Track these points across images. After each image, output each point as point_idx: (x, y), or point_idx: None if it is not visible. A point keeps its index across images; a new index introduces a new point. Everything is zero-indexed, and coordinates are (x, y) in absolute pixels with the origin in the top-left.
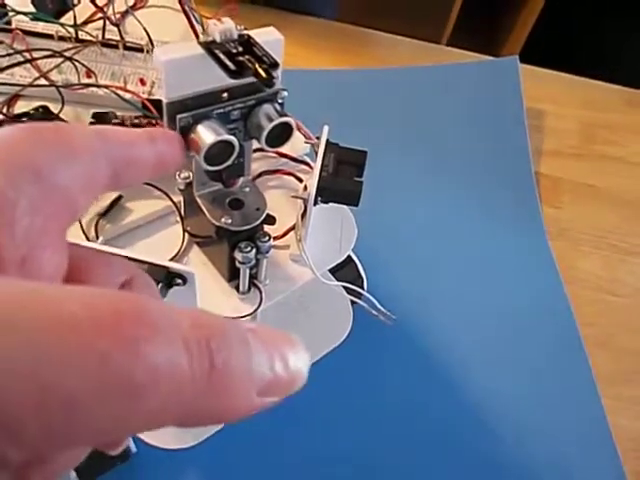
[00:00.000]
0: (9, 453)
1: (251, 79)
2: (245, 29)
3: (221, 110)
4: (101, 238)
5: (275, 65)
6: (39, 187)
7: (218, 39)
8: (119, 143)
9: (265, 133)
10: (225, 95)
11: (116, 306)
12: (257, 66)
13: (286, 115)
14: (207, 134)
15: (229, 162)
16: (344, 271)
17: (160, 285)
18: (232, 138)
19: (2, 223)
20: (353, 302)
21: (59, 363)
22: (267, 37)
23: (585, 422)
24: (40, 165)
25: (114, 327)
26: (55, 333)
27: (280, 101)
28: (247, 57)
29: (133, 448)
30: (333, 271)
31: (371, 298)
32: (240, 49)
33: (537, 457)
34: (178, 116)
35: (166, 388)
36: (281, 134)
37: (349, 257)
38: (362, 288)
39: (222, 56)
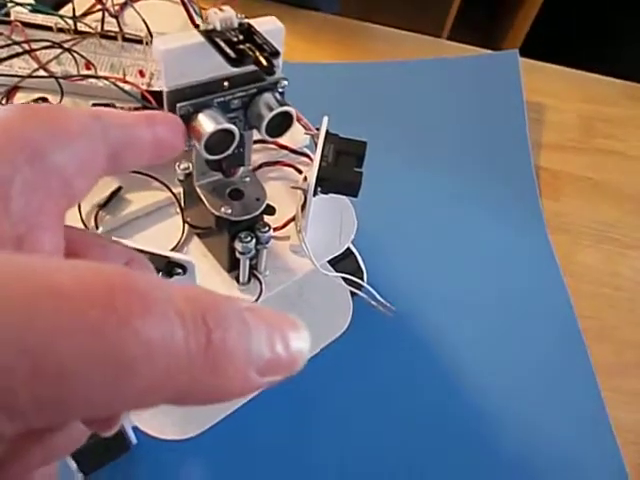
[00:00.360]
0: (1, 424)
1: (252, 68)
2: (246, 17)
3: (221, 99)
4: (101, 228)
5: (276, 53)
6: (35, 166)
7: (218, 27)
8: (117, 125)
9: (265, 122)
10: (225, 84)
11: (108, 278)
12: (258, 54)
13: (286, 104)
14: (207, 123)
15: (229, 151)
16: (344, 263)
17: (160, 275)
18: (232, 127)
19: None
20: (353, 294)
21: (49, 331)
22: (268, 26)
23: (585, 414)
24: (36, 144)
25: (106, 298)
26: (45, 301)
27: (280, 90)
28: (248, 45)
29: (133, 439)
30: (333, 263)
31: (371, 290)
32: (240, 37)
33: (536, 448)
34: (178, 105)
35: (160, 363)
36: (281, 123)
37: (349, 249)
38: (362, 280)
39: (222, 44)
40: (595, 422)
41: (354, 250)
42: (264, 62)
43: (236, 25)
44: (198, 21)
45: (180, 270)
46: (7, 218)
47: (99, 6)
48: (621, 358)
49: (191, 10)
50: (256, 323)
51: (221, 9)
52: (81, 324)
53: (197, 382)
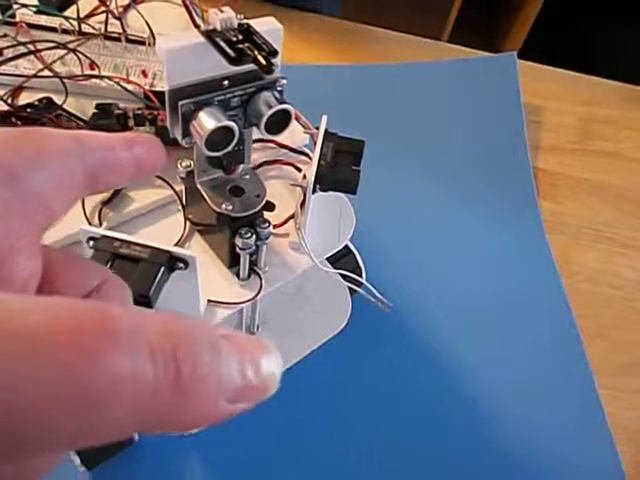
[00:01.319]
0: None
1: (251, 67)
2: (245, 18)
3: (222, 97)
4: (105, 224)
5: (274, 53)
6: (13, 189)
7: (218, 27)
8: (95, 147)
9: (264, 120)
10: (225, 82)
11: (79, 316)
12: (257, 53)
13: (285, 102)
14: (208, 120)
15: (229, 148)
16: (343, 261)
17: (163, 269)
18: (232, 124)
19: None
20: (352, 292)
21: (20, 375)
22: (266, 26)
23: (581, 412)
24: (14, 168)
25: (75, 338)
26: (16, 345)
27: (279, 89)
28: (247, 45)
29: (136, 435)
30: (332, 261)
31: (370, 287)
32: (240, 37)
33: (533, 446)
34: (180, 102)
35: (129, 398)
36: (280, 121)
37: (348, 248)
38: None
39: (222, 44)
40: (592, 420)
41: (353, 249)
42: (263, 61)
43: (236, 25)
44: (200, 23)
45: (182, 264)
46: None
47: (103, 8)
48: (618, 357)
49: (193, 12)
50: (228, 351)
51: (221, 10)
52: (52, 366)
53: (166, 414)
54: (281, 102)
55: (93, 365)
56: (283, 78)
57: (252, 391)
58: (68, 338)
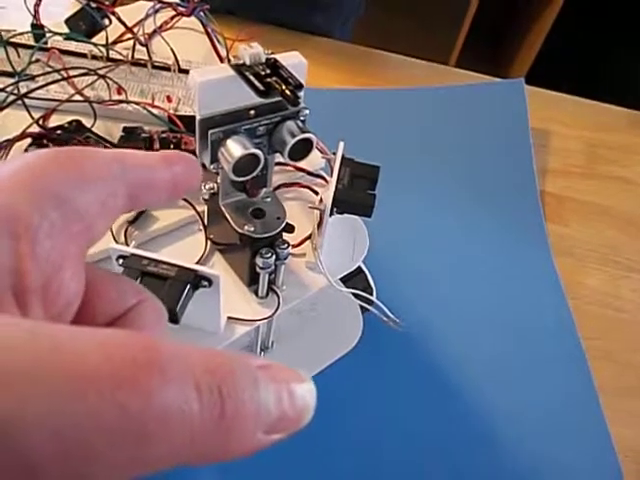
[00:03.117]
0: None
1: (276, 98)
2: (272, 53)
3: (248, 126)
4: (133, 242)
5: (300, 86)
6: (60, 212)
7: (248, 62)
8: (136, 166)
9: (288, 148)
10: (252, 112)
11: (131, 353)
12: (284, 87)
13: (308, 131)
14: (236, 147)
15: (254, 173)
16: (354, 281)
17: (188, 286)
18: (258, 152)
19: (27, 249)
20: (363, 311)
21: (79, 416)
22: (292, 60)
23: (587, 433)
24: (61, 190)
25: (131, 377)
26: (75, 387)
27: (302, 118)
28: (274, 79)
29: None
30: (344, 281)
31: (381, 305)
32: (268, 71)
33: (539, 467)
34: (210, 131)
35: (176, 434)
36: (302, 149)
37: (359, 268)
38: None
39: (252, 77)
40: (597, 442)
41: (364, 268)
42: (289, 94)
43: (263, 60)
44: (221, 49)
45: (206, 283)
46: (34, 261)
47: (130, 35)
48: (624, 379)
49: (214, 40)
50: (266, 383)
51: (250, 46)
52: (107, 405)
53: (207, 447)
54: (304, 131)
55: (146, 403)
56: (306, 108)
57: (287, 422)
58: (124, 377)
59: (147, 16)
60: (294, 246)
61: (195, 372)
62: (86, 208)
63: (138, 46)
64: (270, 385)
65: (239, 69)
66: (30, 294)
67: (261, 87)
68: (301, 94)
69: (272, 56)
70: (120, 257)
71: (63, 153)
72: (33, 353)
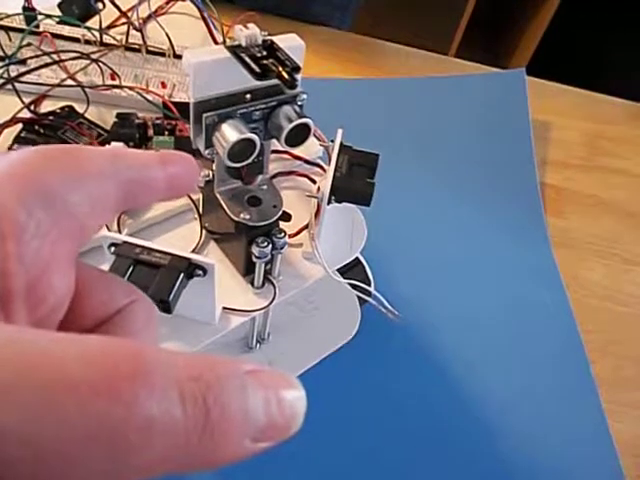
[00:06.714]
0: None
1: (273, 82)
2: (269, 34)
3: (244, 110)
4: (126, 230)
5: (297, 69)
6: (49, 210)
7: (244, 43)
8: (131, 165)
9: (285, 133)
10: (248, 96)
11: (114, 361)
12: (280, 69)
13: (305, 116)
14: (231, 132)
15: (250, 160)
16: (352, 272)
17: (182, 275)
18: (254, 136)
19: (12, 250)
20: (361, 302)
21: (55, 425)
22: (289, 43)
23: (586, 426)
24: (51, 189)
25: (112, 385)
26: (52, 396)
27: (300, 103)
28: (271, 61)
29: None
30: (342, 272)
31: (379, 296)
32: (264, 53)
33: (538, 461)
34: (204, 115)
35: (159, 443)
36: (300, 134)
37: (357, 259)
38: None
39: (248, 59)
40: (596, 434)
41: (362, 260)
42: (286, 77)
43: (260, 42)
44: (217, 35)
45: (200, 272)
46: (20, 263)
47: (124, 19)
48: (623, 372)
49: (211, 25)
50: (254, 389)
51: (246, 27)
52: (85, 414)
53: (193, 456)
54: (301, 116)
55: (128, 412)
56: (304, 93)
57: (276, 430)
58: (105, 386)
59: (141, 0)
60: (291, 236)
61: (180, 380)
62: (76, 207)
63: (132, 31)
64: (258, 392)
65: (235, 51)
66: (14, 296)
67: (257, 69)
68: (298, 77)
69: (268, 38)
70: (112, 245)
71: (53, 150)
72: (11, 360)
